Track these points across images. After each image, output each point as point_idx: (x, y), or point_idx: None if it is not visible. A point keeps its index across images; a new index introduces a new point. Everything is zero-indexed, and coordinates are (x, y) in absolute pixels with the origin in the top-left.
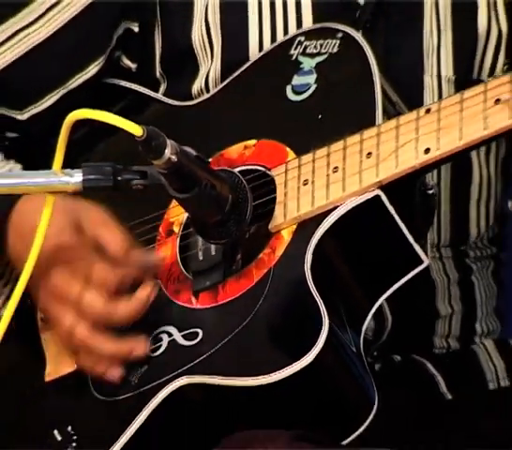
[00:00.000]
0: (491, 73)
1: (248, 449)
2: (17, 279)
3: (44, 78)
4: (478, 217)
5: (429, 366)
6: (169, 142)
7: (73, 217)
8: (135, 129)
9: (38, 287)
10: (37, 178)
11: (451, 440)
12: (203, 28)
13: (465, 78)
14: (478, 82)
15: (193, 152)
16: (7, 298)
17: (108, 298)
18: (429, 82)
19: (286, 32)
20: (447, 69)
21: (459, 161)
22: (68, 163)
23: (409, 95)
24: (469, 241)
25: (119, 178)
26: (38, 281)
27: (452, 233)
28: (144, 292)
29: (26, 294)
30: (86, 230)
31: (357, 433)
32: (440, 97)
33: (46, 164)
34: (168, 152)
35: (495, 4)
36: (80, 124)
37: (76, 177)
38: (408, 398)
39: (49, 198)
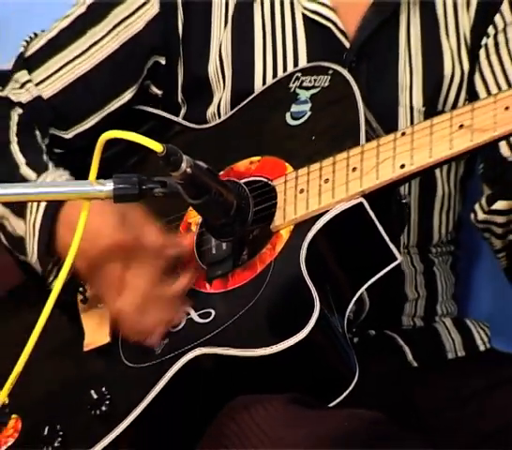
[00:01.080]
0: (454, 106)
1: (250, 409)
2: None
3: (87, 103)
4: (440, 225)
5: (399, 339)
6: (185, 157)
7: (121, 217)
8: (157, 147)
9: (95, 276)
10: (76, 187)
11: (417, 399)
12: (218, 63)
13: (433, 109)
14: (443, 112)
15: (205, 165)
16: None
17: (157, 282)
18: (403, 112)
19: (285, 68)
20: (418, 102)
21: (426, 178)
22: (102, 175)
23: (386, 122)
24: (432, 242)
25: (143, 187)
26: (96, 271)
27: (419, 236)
28: (187, 276)
29: (67, 281)
30: (132, 226)
31: (342, 397)
32: (412, 123)
33: (84, 175)
34: (184, 165)
35: (459, 48)
36: (112, 142)
37: (108, 186)
38: (381, 366)
39: (85, 203)
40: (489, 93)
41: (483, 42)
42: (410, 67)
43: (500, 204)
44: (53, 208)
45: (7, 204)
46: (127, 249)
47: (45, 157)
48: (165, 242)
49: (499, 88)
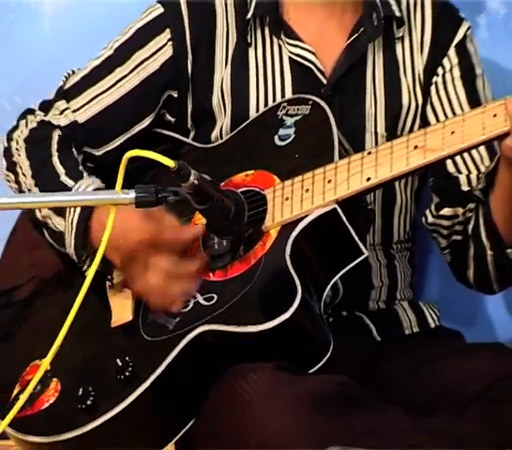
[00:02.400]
0: (411, 131)
1: (244, 375)
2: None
3: (114, 127)
4: (399, 227)
5: (366, 319)
6: (193, 171)
7: (145, 214)
8: (170, 163)
9: (125, 262)
10: (105, 195)
11: (379, 367)
12: (220, 95)
13: (393, 134)
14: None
15: (209, 178)
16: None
17: (175, 263)
18: (369, 136)
19: (274, 100)
20: (381, 129)
21: (387, 189)
22: (125, 185)
23: (356, 144)
24: (393, 241)
25: (159, 195)
26: (125, 258)
27: (382, 236)
28: (198, 259)
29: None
30: (154, 220)
31: (319, 365)
32: (375, 126)
33: (111, 185)
34: (192, 178)
35: (414, 85)
36: (133, 159)
37: (130, 195)
38: (351, 340)
39: (112, 209)
40: (438, 120)
41: (433, 80)
42: (375, 100)
43: (445, 211)
44: (88, 209)
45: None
46: (150, 239)
47: (80, 167)
48: (181, 231)
49: (446, 117)
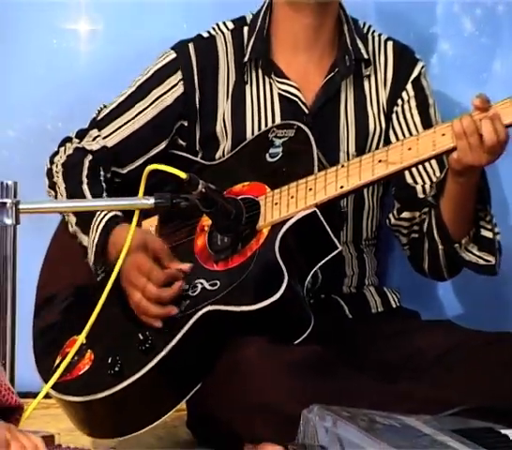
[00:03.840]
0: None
1: (242, 346)
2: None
3: (136, 150)
4: (367, 227)
5: (340, 300)
6: (201, 181)
7: (142, 242)
8: (183, 175)
9: (124, 279)
10: (130, 201)
11: (350, 340)
12: (222, 124)
13: (362, 154)
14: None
15: (214, 187)
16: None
17: (159, 288)
18: (343, 155)
19: (266, 124)
20: (352, 149)
21: (357, 195)
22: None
23: (331, 160)
24: (362, 238)
25: (174, 201)
26: (124, 277)
27: (353, 234)
28: (177, 286)
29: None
30: (149, 247)
31: (302, 337)
32: (348, 147)
33: (134, 195)
34: (200, 187)
35: (379, 114)
36: (153, 172)
37: (151, 200)
38: (328, 318)
39: (136, 212)
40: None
41: (394, 109)
42: (347, 126)
43: (405, 214)
44: (106, 233)
45: (78, 222)
46: (140, 265)
47: (104, 193)
48: (170, 262)
49: (404, 138)
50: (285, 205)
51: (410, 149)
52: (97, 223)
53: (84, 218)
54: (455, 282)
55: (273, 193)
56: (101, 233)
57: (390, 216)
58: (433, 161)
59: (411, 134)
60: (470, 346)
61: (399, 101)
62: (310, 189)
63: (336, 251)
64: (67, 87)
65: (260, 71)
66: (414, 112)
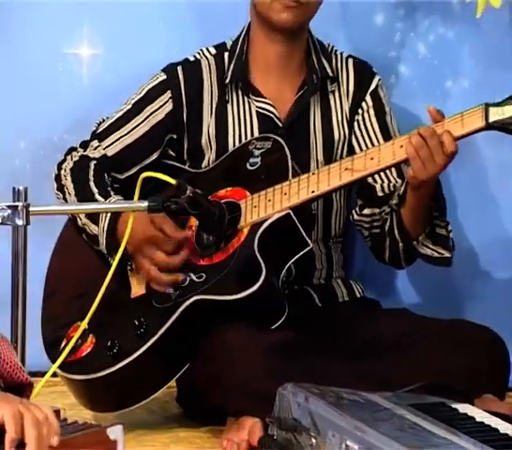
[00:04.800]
0: (341, 158)
1: (225, 331)
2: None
3: (131, 159)
4: (335, 226)
5: (311, 291)
6: (189, 187)
7: (148, 218)
8: (173, 181)
9: (135, 251)
10: (127, 204)
11: (320, 326)
12: (207, 137)
13: (329, 160)
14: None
15: (200, 192)
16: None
17: (168, 255)
18: (313, 163)
19: (246, 138)
20: (320, 156)
21: (327, 199)
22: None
23: (303, 168)
24: (330, 236)
25: (165, 204)
26: (135, 249)
27: (323, 233)
28: (183, 253)
29: (123, 257)
30: (155, 221)
31: (278, 323)
32: (316, 153)
33: (131, 198)
34: (188, 192)
35: (342, 122)
36: (147, 179)
37: (145, 203)
38: (300, 306)
39: (132, 214)
40: (360, 146)
41: (356, 118)
42: (315, 137)
43: (366, 211)
44: (114, 219)
45: (87, 215)
46: (149, 238)
47: (109, 188)
48: (174, 233)
49: (366, 145)
50: (263, 208)
51: (372, 159)
52: (103, 215)
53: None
54: (411, 275)
55: (252, 197)
56: (111, 218)
57: (353, 212)
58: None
59: (370, 140)
60: (424, 331)
61: (360, 110)
62: (285, 194)
63: (307, 248)
64: (72, 105)
65: (239, 92)
66: (373, 119)
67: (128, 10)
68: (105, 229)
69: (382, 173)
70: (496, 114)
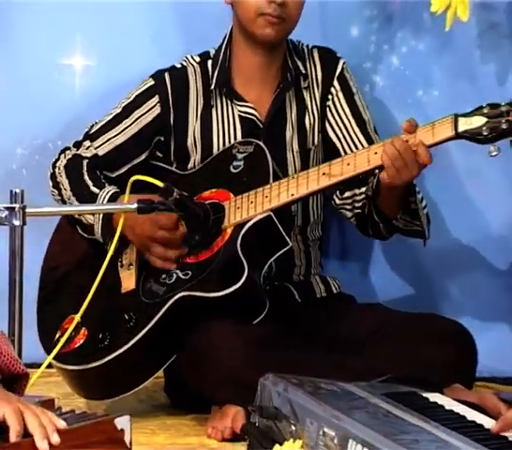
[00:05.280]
0: (317, 162)
1: (210, 327)
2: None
3: (121, 159)
4: (312, 227)
5: (291, 287)
6: (175, 189)
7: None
8: (160, 183)
9: (137, 233)
10: (118, 205)
11: (299, 319)
12: (192, 140)
13: (304, 149)
14: (309, 150)
15: (186, 194)
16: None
17: (164, 247)
18: (289, 154)
19: (230, 141)
20: (296, 146)
21: (304, 202)
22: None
23: (283, 171)
24: (307, 235)
25: (153, 205)
26: (137, 230)
27: (300, 232)
28: (182, 228)
29: (114, 254)
30: (156, 220)
31: (260, 318)
32: (294, 163)
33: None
34: (175, 194)
35: (313, 110)
36: (136, 182)
37: (134, 205)
38: (280, 301)
39: (123, 214)
40: (334, 132)
41: (327, 104)
42: (291, 129)
43: (347, 194)
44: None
45: None
46: (153, 220)
47: (103, 180)
48: (173, 221)
49: (339, 129)
50: (246, 209)
51: (348, 164)
52: (100, 201)
53: (88, 201)
54: (385, 271)
55: (236, 199)
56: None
57: (334, 197)
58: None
59: (343, 123)
60: (396, 324)
61: (330, 96)
62: (266, 196)
63: (287, 247)
64: (66, 113)
65: (223, 97)
66: (343, 102)
67: (117, 25)
68: (100, 218)
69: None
70: (465, 125)
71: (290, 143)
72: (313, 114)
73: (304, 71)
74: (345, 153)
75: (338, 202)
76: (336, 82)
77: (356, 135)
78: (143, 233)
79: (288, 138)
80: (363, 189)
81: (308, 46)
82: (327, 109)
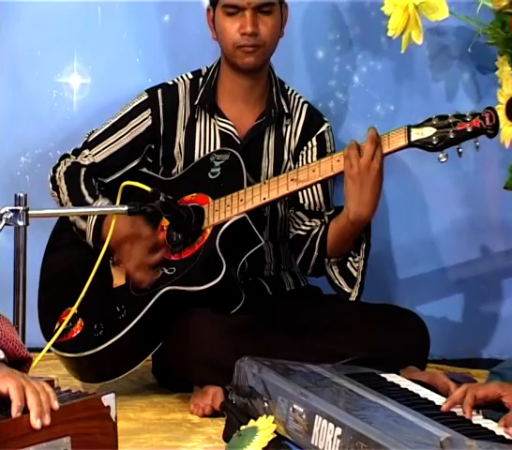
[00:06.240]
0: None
1: (191, 316)
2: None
3: (115, 166)
4: (281, 227)
5: (263, 281)
6: (162, 193)
7: (130, 223)
8: (148, 188)
9: (118, 249)
10: (110, 208)
11: (271, 310)
12: (178, 149)
13: (278, 163)
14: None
15: (171, 197)
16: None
17: (147, 253)
18: (263, 177)
19: (209, 150)
20: (270, 172)
21: (274, 205)
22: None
23: (256, 179)
24: (277, 235)
25: (141, 208)
26: (119, 247)
27: (270, 233)
28: (161, 234)
29: (106, 251)
30: (135, 227)
31: (236, 309)
32: (267, 171)
33: (114, 202)
34: (161, 198)
35: (289, 153)
36: (127, 187)
37: (125, 207)
38: (253, 294)
39: (114, 216)
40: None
41: (301, 152)
42: (267, 155)
43: (300, 213)
44: (99, 218)
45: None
46: (130, 237)
47: (97, 191)
48: (151, 235)
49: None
50: (223, 212)
51: (314, 171)
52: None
53: None
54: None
55: (214, 202)
56: (97, 218)
57: (291, 210)
58: (321, 195)
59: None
60: (357, 313)
61: (305, 148)
62: (241, 200)
63: (259, 245)
64: (64, 126)
65: (207, 112)
66: (315, 155)
67: (109, 48)
68: (92, 227)
69: (310, 196)
70: (417, 134)
71: (264, 167)
72: (288, 154)
73: (287, 111)
74: (303, 199)
75: (291, 214)
76: (314, 139)
77: (317, 190)
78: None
79: (263, 164)
80: (314, 220)
81: (300, 97)
82: (300, 156)
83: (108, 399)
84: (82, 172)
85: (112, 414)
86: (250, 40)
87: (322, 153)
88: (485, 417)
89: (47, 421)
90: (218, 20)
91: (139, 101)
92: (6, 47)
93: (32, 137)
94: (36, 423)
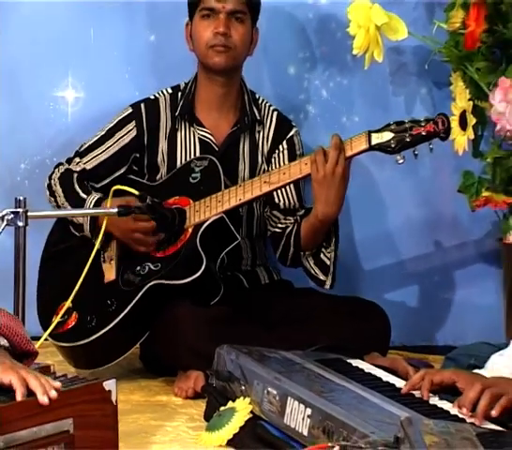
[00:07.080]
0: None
1: (175, 308)
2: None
3: (104, 172)
4: (257, 225)
5: (240, 275)
6: (148, 197)
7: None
8: (136, 192)
9: (122, 234)
10: (101, 210)
11: (247, 302)
12: (161, 156)
13: (253, 166)
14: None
15: (157, 200)
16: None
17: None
18: (240, 181)
19: (190, 157)
20: (246, 176)
21: (249, 205)
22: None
23: (233, 183)
24: (253, 233)
25: (130, 209)
26: (123, 232)
27: (247, 230)
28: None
29: (98, 250)
30: (132, 223)
31: (215, 301)
32: (244, 174)
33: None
34: (148, 200)
35: (263, 158)
36: (117, 192)
37: (114, 209)
38: (231, 287)
39: (105, 217)
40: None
41: (273, 156)
42: (243, 160)
43: (276, 212)
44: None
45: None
46: (133, 221)
47: (89, 188)
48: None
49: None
50: (203, 212)
51: (285, 174)
52: (88, 205)
53: (78, 205)
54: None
55: (195, 204)
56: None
57: (267, 208)
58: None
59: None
60: (326, 305)
61: (277, 151)
62: (219, 201)
63: (236, 242)
64: (60, 136)
65: (186, 123)
66: (286, 160)
67: (101, 65)
68: (88, 218)
69: (285, 195)
70: (377, 139)
71: (240, 171)
72: (261, 158)
73: (259, 118)
74: (278, 198)
75: (267, 213)
76: (284, 143)
77: (291, 190)
78: (125, 226)
79: (240, 168)
80: (289, 218)
81: (270, 105)
82: (272, 159)
83: (109, 385)
84: (75, 176)
85: (113, 398)
86: (222, 40)
87: (292, 154)
88: (441, 399)
89: (53, 395)
90: (194, 26)
91: (123, 114)
92: (6, 65)
93: (31, 145)
94: (43, 398)
